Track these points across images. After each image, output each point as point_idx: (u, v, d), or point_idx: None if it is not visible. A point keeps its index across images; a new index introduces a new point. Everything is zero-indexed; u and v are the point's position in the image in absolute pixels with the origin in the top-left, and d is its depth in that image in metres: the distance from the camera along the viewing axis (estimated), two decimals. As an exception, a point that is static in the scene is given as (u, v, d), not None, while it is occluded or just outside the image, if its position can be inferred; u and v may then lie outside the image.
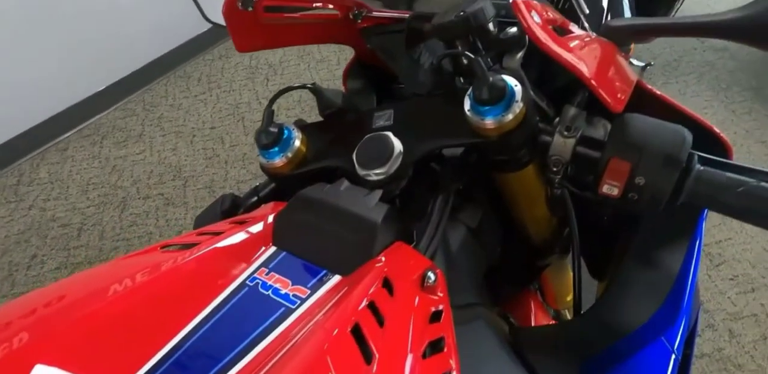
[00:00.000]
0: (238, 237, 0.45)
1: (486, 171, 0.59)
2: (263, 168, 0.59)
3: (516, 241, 0.68)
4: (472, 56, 0.49)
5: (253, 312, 0.37)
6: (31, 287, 1.96)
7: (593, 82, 0.45)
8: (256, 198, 0.66)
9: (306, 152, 0.59)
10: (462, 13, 0.55)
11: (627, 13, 1.67)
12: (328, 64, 2.73)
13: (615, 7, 1.68)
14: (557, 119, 0.52)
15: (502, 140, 0.49)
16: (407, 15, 0.71)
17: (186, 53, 2.79)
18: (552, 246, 0.73)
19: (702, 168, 0.46)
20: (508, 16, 0.61)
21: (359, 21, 0.73)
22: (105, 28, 2.49)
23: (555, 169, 0.51)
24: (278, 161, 0.57)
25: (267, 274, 0.40)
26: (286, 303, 0.37)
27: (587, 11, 1.58)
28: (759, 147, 2.13)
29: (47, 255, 2.04)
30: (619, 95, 0.48)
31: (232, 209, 0.65)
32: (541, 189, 0.59)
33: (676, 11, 2.00)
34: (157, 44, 2.69)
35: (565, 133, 0.49)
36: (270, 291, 0.38)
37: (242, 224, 0.48)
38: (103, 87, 2.59)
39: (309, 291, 0.38)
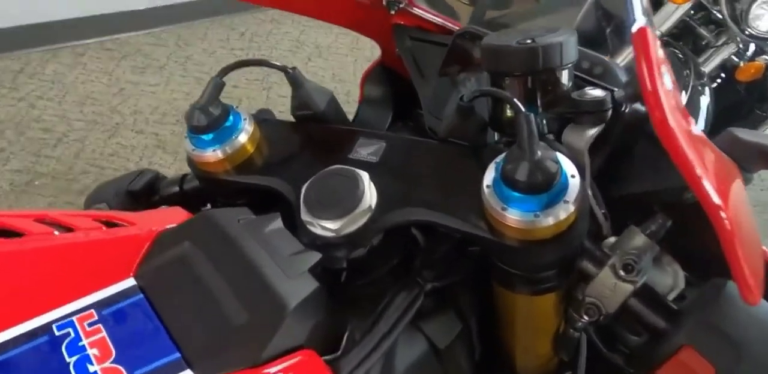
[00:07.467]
0: (91, 244, 0.31)
1: (484, 276, 0.41)
2: (189, 158, 0.43)
3: (491, 367, 0.49)
4: (521, 107, 0.33)
5: None
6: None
7: (735, 242, 0.25)
8: (178, 189, 0.52)
9: (252, 155, 0.42)
10: (529, 42, 0.36)
11: (701, 119, 1.46)
12: (375, 66, 2.62)
13: (691, 108, 1.47)
14: (611, 240, 0.35)
15: (524, 249, 0.33)
16: (457, 27, 0.54)
17: (239, 4, 2.69)
18: None
19: None
20: (594, 74, 0.43)
21: (393, 13, 0.57)
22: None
23: (586, 318, 0.35)
24: (209, 154, 0.41)
25: (90, 325, 0.27)
26: None
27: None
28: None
29: (15, 155, 1.93)
30: (753, 278, 0.28)
31: (145, 191, 0.52)
32: (554, 322, 0.41)
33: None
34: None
35: (621, 273, 0.33)
36: (73, 361, 0.25)
37: (110, 227, 0.34)
38: (142, 7, 2.50)
39: None
